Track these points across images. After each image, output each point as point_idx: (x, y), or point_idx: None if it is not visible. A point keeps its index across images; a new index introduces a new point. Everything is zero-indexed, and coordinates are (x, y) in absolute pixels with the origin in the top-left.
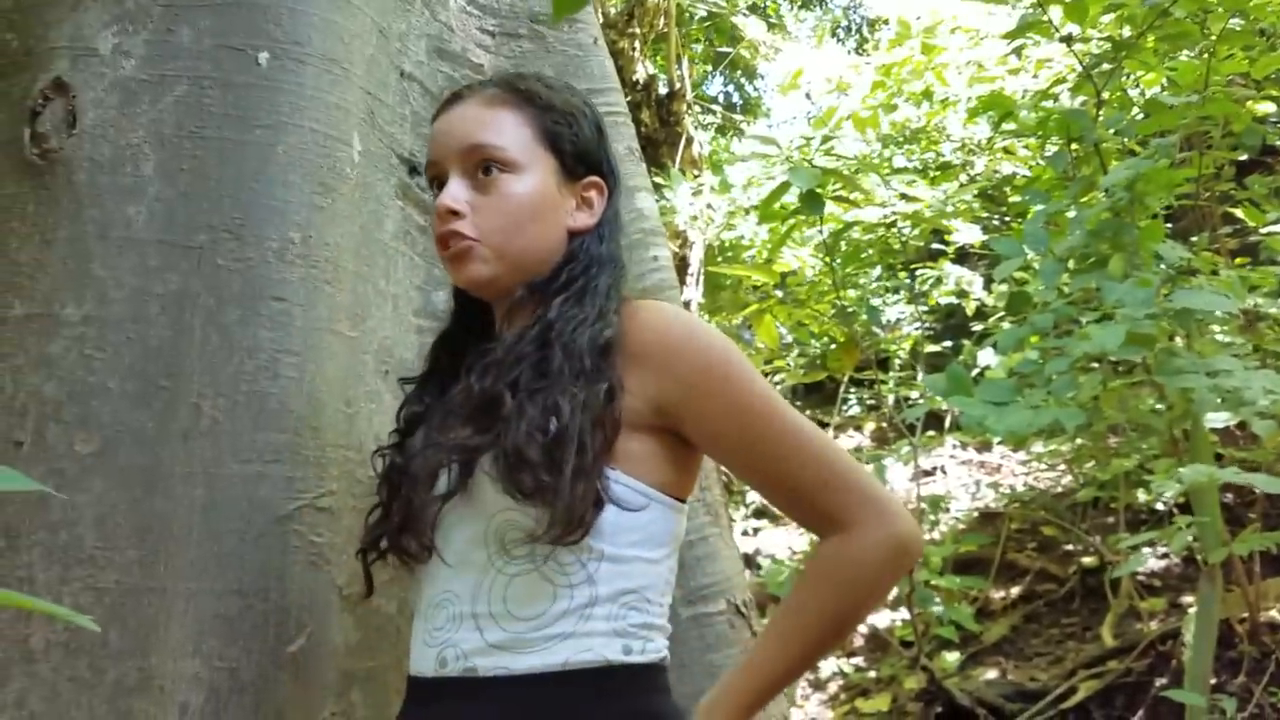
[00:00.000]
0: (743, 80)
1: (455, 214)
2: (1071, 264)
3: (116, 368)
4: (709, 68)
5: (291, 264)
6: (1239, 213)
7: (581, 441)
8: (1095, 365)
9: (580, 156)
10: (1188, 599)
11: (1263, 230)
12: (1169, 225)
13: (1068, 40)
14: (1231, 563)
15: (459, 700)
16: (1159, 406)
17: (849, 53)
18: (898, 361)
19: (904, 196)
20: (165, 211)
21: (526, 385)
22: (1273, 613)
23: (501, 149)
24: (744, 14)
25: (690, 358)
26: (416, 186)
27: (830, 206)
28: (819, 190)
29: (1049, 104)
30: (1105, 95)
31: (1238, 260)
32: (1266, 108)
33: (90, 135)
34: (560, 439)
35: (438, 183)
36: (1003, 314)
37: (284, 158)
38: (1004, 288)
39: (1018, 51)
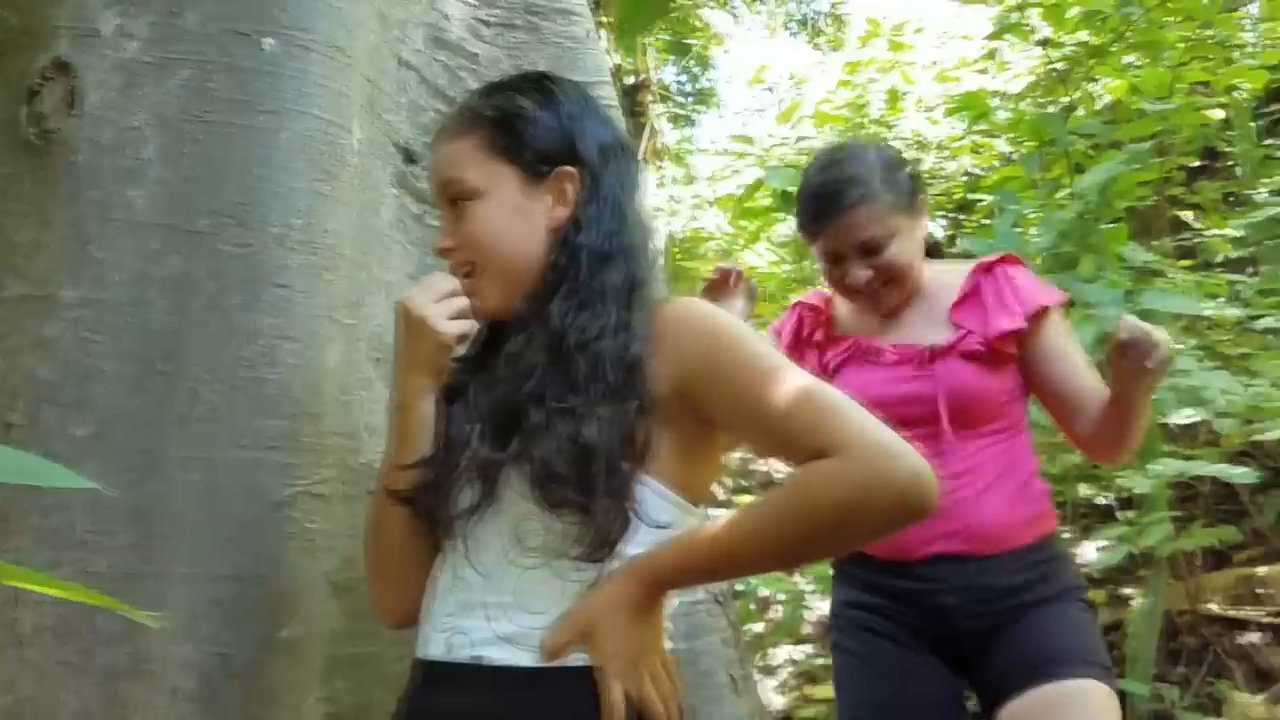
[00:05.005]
0: (696, 70)
1: (447, 250)
2: (1039, 263)
3: (114, 351)
4: (669, 56)
5: (293, 250)
6: (1188, 215)
7: (611, 462)
8: None
9: (543, 155)
10: (1127, 590)
11: (1210, 233)
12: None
13: (1044, 44)
14: (1175, 557)
15: (466, 688)
16: None
17: (807, 45)
18: None
19: None
20: (166, 195)
21: (552, 398)
22: (1212, 605)
23: (459, 180)
24: (710, 6)
25: (701, 333)
26: (412, 175)
27: None
28: (793, 190)
29: (1020, 105)
30: (1074, 99)
31: (1182, 262)
32: (1216, 114)
33: (91, 117)
34: (590, 457)
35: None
36: None
37: (287, 144)
38: None
39: (991, 54)
